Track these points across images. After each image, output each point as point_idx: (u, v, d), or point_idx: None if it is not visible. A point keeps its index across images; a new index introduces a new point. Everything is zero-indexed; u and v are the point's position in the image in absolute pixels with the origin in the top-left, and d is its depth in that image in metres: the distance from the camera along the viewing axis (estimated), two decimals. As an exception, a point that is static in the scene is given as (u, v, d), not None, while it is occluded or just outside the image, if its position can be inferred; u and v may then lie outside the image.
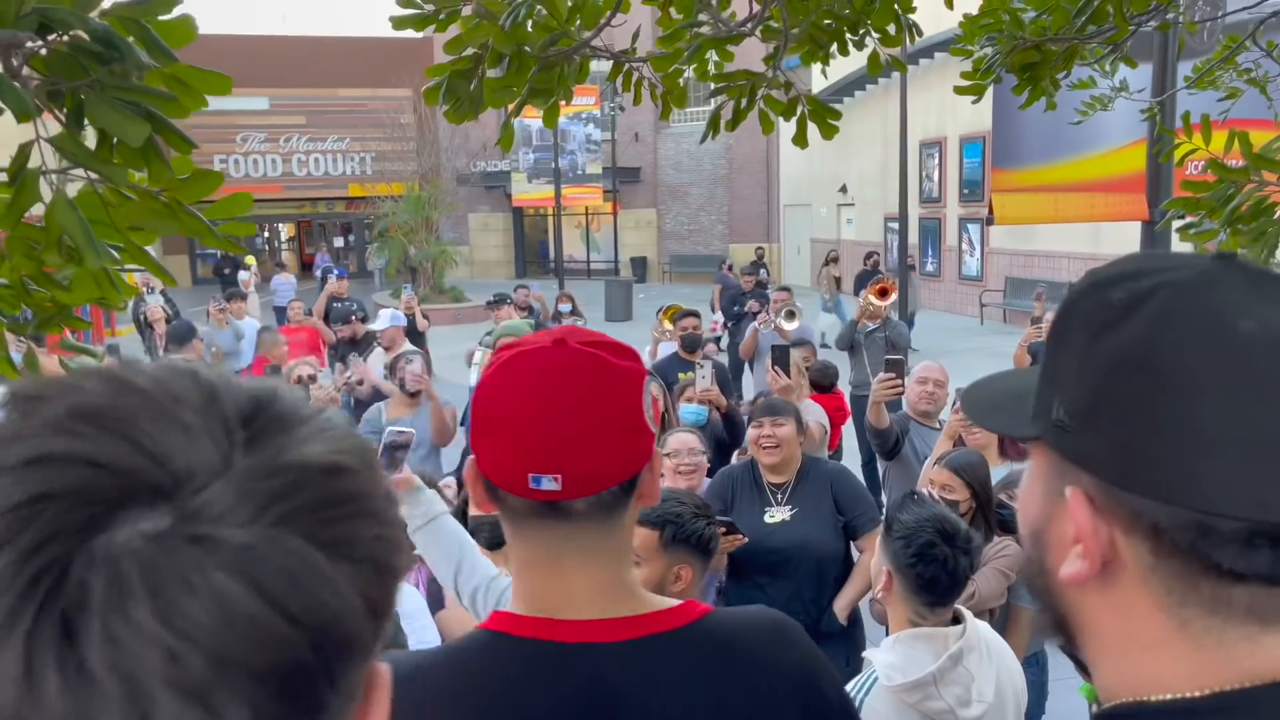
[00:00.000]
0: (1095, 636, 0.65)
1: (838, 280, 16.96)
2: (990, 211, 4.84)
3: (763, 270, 17.97)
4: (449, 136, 25.83)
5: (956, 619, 2.23)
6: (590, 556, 1.05)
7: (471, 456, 1.06)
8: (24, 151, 0.80)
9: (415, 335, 10.73)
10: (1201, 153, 1.65)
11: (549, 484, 1.00)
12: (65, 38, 0.73)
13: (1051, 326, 0.67)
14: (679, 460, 3.76)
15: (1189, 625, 0.60)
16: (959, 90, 1.95)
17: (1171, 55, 4.21)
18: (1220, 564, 0.57)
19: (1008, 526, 3.55)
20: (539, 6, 1.24)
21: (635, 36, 1.68)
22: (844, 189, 24.35)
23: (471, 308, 21.85)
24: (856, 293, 15.39)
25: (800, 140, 1.51)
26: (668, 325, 7.83)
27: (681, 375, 6.52)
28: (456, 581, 2.68)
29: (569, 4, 1.27)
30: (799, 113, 1.40)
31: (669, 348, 7.74)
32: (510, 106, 1.37)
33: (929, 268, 21.11)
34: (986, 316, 18.93)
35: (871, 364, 7.45)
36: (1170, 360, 0.58)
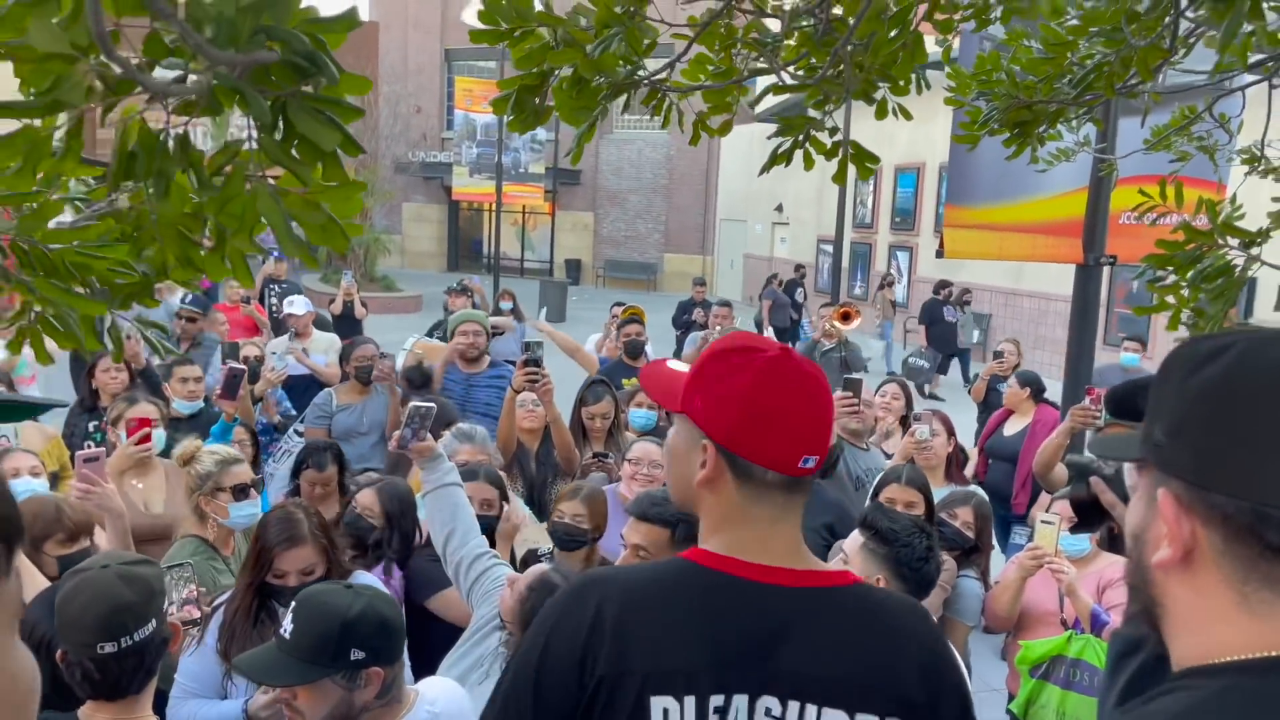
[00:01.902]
0: (1176, 614, 0.83)
1: (893, 304, 16.69)
2: (941, 245, 5.08)
3: (799, 290, 17.77)
4: (389, 124, 25.57)
5: None
6: (795, 518, 1.35)
7: (707, 441, 1.32)
8: (231, 149, 0.89)
9: (353, 323, 10.62)
10: (1180, 211, 1.86)
11: (812, 463, 1.32)
12: (278, 54, 0.83)
13: (1158, 373, 0.87)
14: (638, 468, 3.87)
15: (1249, 599, 0.77)
16: (956, 139, 2.12)
17: (1114, 114, 4.53)
18: (1273, 544, 0.75)
19: (947, 543, 3.77)
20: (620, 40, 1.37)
21: (672, 66, 1.81)
22: (780, 208, 24.81)
23: (403, 297, 21.64)
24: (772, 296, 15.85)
25: (840, 178, 1.66)
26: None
27: (626, 381, 6.63)
28: (446, 547, 2.83)
29: (644, 42, 1.40)
30: (841, 155, 1.56)
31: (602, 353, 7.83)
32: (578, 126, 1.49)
33: (857, 290, 21.65)
34: (910, 341, 19.52)
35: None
36: (1242, 390, 0.78)
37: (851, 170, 1.66)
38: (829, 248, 18.96)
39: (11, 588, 0.74)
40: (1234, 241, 1.76)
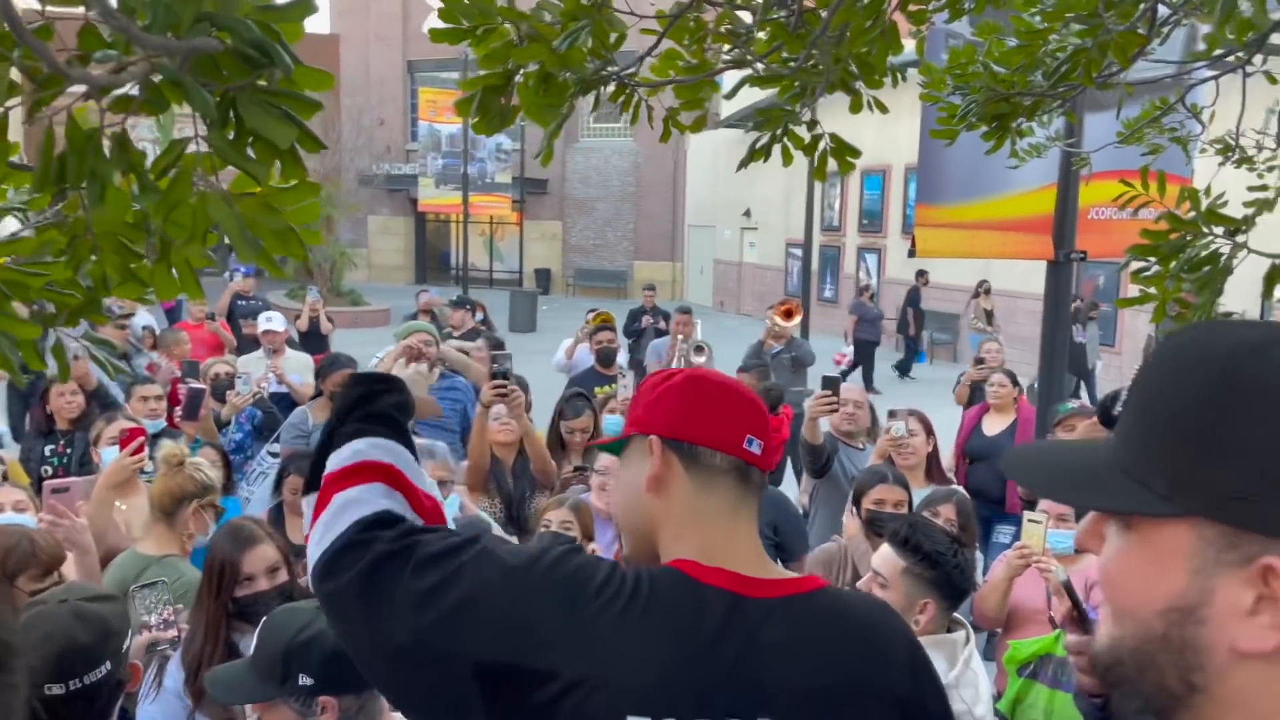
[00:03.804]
0: (1249, 708, 0.68)
1: (989, 314, 15.05)
2: (913, 244, 5.07)
3: (872, 300, 16.00)
4: (353, 137, 25.34)
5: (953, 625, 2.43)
6: (753, 516, 1.32)
7: (653, 438, 1.30)
8: (176, 148, 0.82)
9: (319, 339, 10.46)
10: (1156, 203, 1.83)
11: (757, 447, 1.30)
12: (227, 43, 0.76)
13: (1203, 405, 0.70)
14: (606, 478, 3.80)
15: None
16: (934, 134, 2.08)
17: (1081, 110, 4.54)
18: None
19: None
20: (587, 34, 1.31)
21: (640, 61, 1.75)
22: (748, 213, 24.87)
23: (371, 311, 21.42)
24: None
25: (820, 174, 1.61)
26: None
27: (599, 389, 6.56)
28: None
29: (613, 36, 1.34)
30: (820, 149, 1.51)
31: (586, 354, 7.75)
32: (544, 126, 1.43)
33: (827, 294, 21.73)
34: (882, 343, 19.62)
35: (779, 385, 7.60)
36: None
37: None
38: (798, 251, 19.01)
39: None
40: (1219, 230, 1.73)
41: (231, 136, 0.84)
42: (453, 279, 27.16)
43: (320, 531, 1.26)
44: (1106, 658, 0.76)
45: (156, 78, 0.75)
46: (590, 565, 1.22)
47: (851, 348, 10.99)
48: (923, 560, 2.38)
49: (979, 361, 7.39)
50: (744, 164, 1.58)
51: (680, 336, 7.98)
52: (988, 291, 15.32)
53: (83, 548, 2.85)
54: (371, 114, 28.97)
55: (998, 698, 3.94)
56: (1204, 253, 1.69)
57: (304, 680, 1.85)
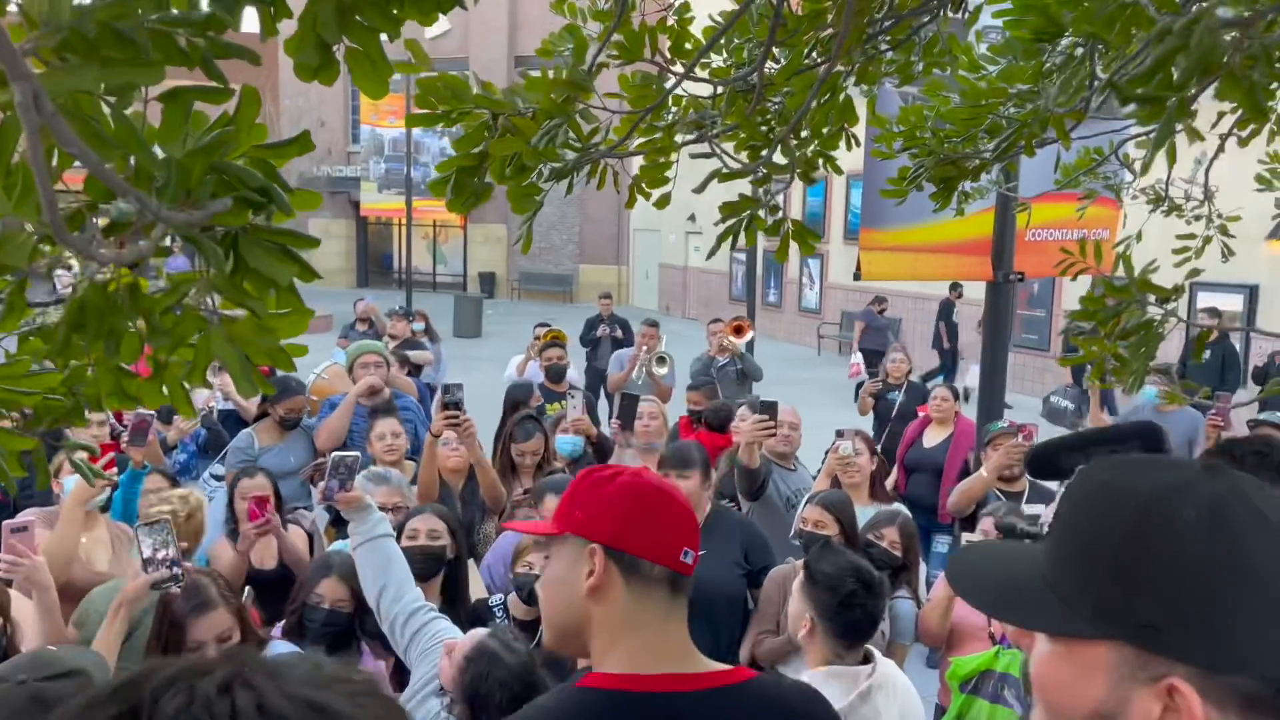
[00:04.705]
0: None
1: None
2: (858, 268, 5.20)
3: (955, 312, 14.81)
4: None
5: (867, 658, 2.46)
6: (682, 618, 1.38)
7: (594, 546, 1.35)
8: (181, 289, 0.85)
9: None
10: (1091, 270, 1.93)
11: (690, 558, 1.37)
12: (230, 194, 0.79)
13: (1123, 544, 0.80)
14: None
15: None
16: (884, 194, 2.17)
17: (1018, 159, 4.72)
18: None
19: (875, 564, 3.84)
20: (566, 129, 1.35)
21: (605, 131, 1.80)
22: (693, 217, 25.02)
23: (314, 318, 21.10)
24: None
25: (782, 255, 1.68)
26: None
27: (550, 407, 6.57)
28: (379, 601, 2.73)
29: (586, 128, 1.39)
30: (781, 232, 1.58)
31: (537, 370, 7.74)
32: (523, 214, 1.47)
33: (771, 298, 21.97)
34: (823, 348, 19.90)
35: (725, 396, 7.68)
36: (1241, 560, 0.76)
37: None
38: (742, 257, 19.19)
39: None
40: (1151, 298, 1.84)
41: (232, 271, 0.88)
42: (395, 282, 26.88)
43: None
44: None
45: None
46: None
47: (859, 355, 10.68)
48: (809, 576, 2.53)
49: (874, 377, 7.56)
50: (712, 252, 1.64)
51: (645, 349, 8.03)
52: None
53: (42, 586, 2.81)
54: (312, 115, 28.54)
55: (940, 711, 4.07)
56: (1139, 320, 1.80)
57: None
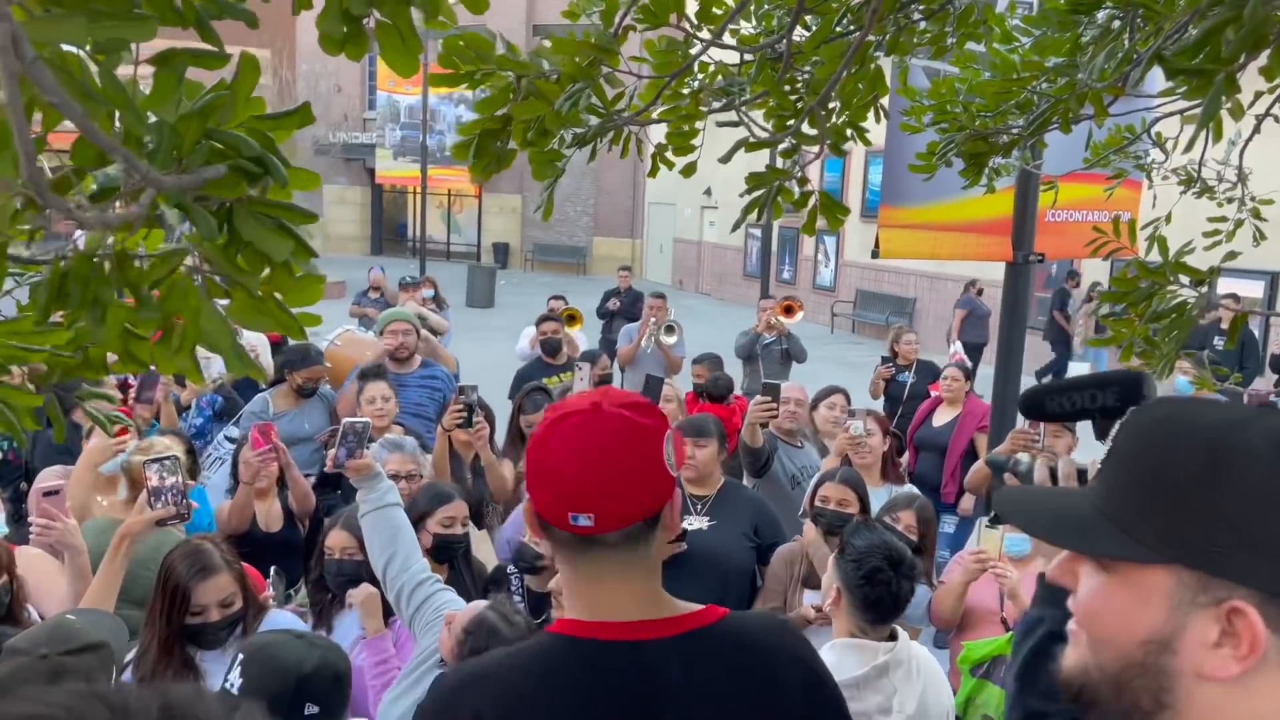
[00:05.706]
0: (1201, 715, 0.81)
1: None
2: (876, 245, 5.14)
3: (1069, 301, 13.18)
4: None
5: (893, 636, 2.45)
6: (627, 573, 1.30)
7: (528, 497, 1.33)
8: (170, 261, 0.82)
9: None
10: (1114, 244, 1.89)
11: (584, 521, 1.26)
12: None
13: (1192, 470, 0.81)
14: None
15: None
16: (912, 168, 2.12)
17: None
18: None
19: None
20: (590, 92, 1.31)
21: (629, 97, 1.76)
22: (709, 191, 24.88)
23: (327, 284, 21.13)
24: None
25: (809, 229, 1.64)
26: (571, 330, 7.76)
27: (548, 380, 6.52)
28: (386, 571, 2.74)
29: (610, 94, 1.35)
30: (810, 205, 1.53)
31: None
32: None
33: (785, 275, 21.86)
34: (837, 326, 19.81)
35: (766, 374, 7.63)
36: None
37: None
38: (757, 232, 19.07)
39: None
40: (1184, 279, 1.79)
41: (226, 244, 0.84)
42: (409, 251, 26.86)
43: None
44: (1077, 679, 0.88)
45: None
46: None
47: (958, 346, 8.97)
48: (843, 553, 2.52)
49: (885, 361, 7.51)
50: (738, 225, 1.60)
51: (653, 320, 8.00)
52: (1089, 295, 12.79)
53: (75, 549, 2.84)
54: (328, 81, 28.44)
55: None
56: (1172, 302, 1.76)
57: (310, 710, 1.88)
